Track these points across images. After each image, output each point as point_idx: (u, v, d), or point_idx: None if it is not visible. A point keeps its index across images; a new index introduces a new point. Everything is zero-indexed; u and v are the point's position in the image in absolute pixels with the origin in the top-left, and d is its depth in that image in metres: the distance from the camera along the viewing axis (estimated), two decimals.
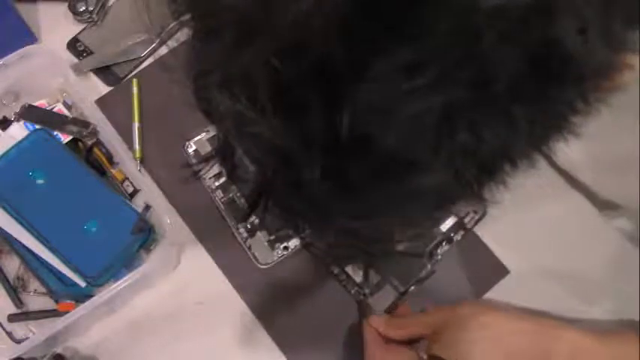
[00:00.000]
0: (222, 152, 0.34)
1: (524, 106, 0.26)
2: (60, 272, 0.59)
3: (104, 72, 0.71)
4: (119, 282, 0.57)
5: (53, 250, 0.59)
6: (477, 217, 0.62)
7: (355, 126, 0.25)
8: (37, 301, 0.61)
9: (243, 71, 0.26)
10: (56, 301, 0.61)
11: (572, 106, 0.29)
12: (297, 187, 0.29)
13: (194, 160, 0.65)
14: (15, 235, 0.60)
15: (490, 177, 0.30)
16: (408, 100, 0.24)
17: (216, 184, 0.64)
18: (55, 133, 0.64)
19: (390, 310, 0.59)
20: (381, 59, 0.24)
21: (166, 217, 0.60)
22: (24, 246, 0.60)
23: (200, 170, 0.42)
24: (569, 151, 0.57)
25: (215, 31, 0.28)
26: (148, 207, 0.63)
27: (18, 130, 0.65)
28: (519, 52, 0.24)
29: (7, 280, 0.61)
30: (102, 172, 0.65)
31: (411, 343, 0.55)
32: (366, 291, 0.60)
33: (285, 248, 0.62)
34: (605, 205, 0.63)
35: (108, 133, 0.63)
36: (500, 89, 0.25)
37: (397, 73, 0.24)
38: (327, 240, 0.43)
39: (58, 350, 0.59)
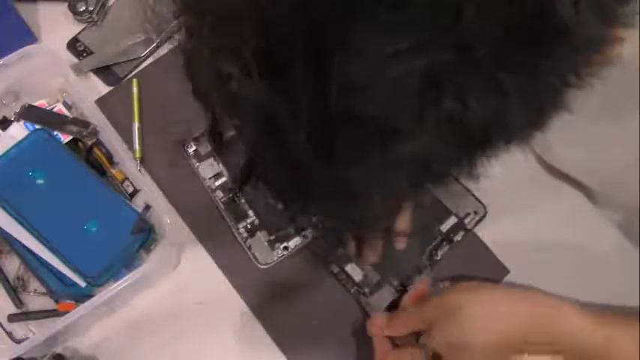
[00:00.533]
0: (212, 131, 0.34)
1: (511, 74, 0.26)
2: (60, 272, 0.59)
3: (104, 72, 0.71)
4: (119, 282, 0.57)
5: (53, 250, 0.59)
6: (477, 218, 0.62)
7: (339, 89, 0.25)
8: (37, 301, 0.61)
9: (231, 16, 0.27)
10: (56, 301, 0.61)
11: (565, 79, 0.29)
12: (283, 157, 0.29)
13: (194, 160, 0.65)
14: (15, 235, 0.59)
15: (481, 150, 0.30)
16: (391, 63, 0.24)
17: (216, 184, 0.64)
18: (55, 133, 0.65)
19: (390, 309, 0.59)
20: (363, 19, 0.24)
21: (166, 217, 0.60)
22: (24, 246, 0.60)
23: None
24: (570, 153, 0.57)
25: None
26: (148, 207, 0.63)
27: (18, 130, 0.65)
28: (502, 24, 0.24)
29: (7, 280, 0.61)
30: (102, 172, 0.65)
31: (418, 338, 0.54)
32: (366, 290, 0.60)
33: (285, 248, 0.62)
34: (602, 201, 0.63)
35: (108, 133, 0.63)
36: (484, 55, 0.25)
37: (379, 36, 0.24)
38: (314, 215, 0.42)
39: (58, 350, 0.59)
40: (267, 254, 0.62)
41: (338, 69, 0.25)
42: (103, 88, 0.70)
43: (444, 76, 0.25)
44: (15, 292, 0.61)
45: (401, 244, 0.60)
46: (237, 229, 0.62)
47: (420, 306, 0.52)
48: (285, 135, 0.27)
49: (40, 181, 0.62)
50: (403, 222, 0.59)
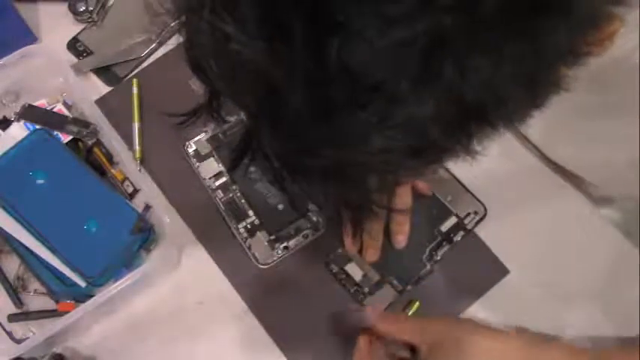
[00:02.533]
0: (210, 106, 0.34)
1: (510, 45, 0.26)
2: (60, 272, 0.59)
3: (104, 72, 0.71)
4: (119, 282, 0.57)
5: (53, 250, 0.59)
6: (477, 218, 0.62)
7: (339, 50, 0.25)
8: (37, 301, 0.61)
9: None
10: (56, 301, 0.61)
11: (562, 55, 0.29)
12: (281, 124, 0.29)
13: (194, 160, 0.65)
14: (15, 235, 0.59)
15: (478, 125, 0.30)
16: (392, 25, 0.24)
17: (216, 184, 0.64)
18: (55, 133, 0.65)
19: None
20: None
21: (166, 217, 0.60)
22: (24, 246, 0.60)
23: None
24: (572, 150, 0.57)
25: None
26: (148, 207, 0.63)
27: (18, 130, 0.65)
28: None
29: (7, 280, 0.61)
30: (102, 172, 0.65)
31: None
32: (366, 290, 0.60)
33: (285, 248, 0.62)
34: (602, 201, 0.63)
35: (108, 133, 0.63)
36: (484, 21, 0.25)
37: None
38: (312, 194, 0.41)
39: (58, 350, 0.59)
40: (267, 254, 0.62)
41: (338, 30, 0.25)
42: (103, 88, 0.70)
43: (444, 42, 0.25)
44: (15, 292, 0.61)
45: (401, 243, 0.60)
46: (237, 229, 0.62)
47: (426, 322, 0.51)
48: (283, 98, 0.27)
49: (40, 181, 0.62)
50: (404, 199, 0.58)
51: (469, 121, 0.29)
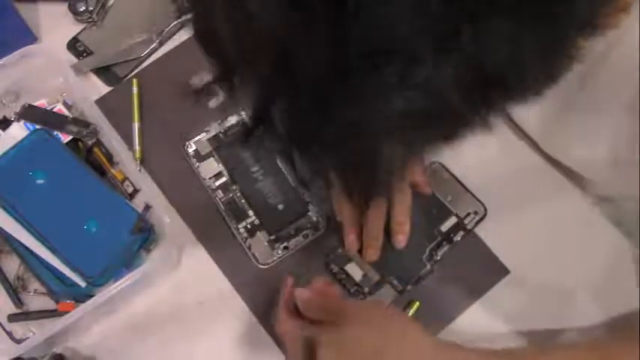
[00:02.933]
0: (222, 76, 0.33)
1: (528, 5, 0.26)
2: (60, 272, 0.59)
3: (104, 72, 0.71)
4: (119, 282, 0.57)
5: (53, 250, 0.59)
6: (477, 218, 0.62)
7: (358, 8, 0.25)
8: (37, 301, 0.61)
9: None
10: (56, 301, 0.61)
11: (580, 27, 0.29)
12: (297, 92, 0.28)
13: (194, 160, 0.65)
14: (15, 235, 0.59)
15: (497, 94, 0.30)
16: None
17: (216, 184, 0.64)
18: (55, 133, 0.65)
19: None
20: None
21: (166, 217, 0.60)
22: (24, 246, 0.60)
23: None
24: (572, 146, 0.57)
25: None
26: (148, 207, 0.63)
27: (18, 130, 0.65)
28: None
29: (7, 280, 0.61)
30: (102, 172, 0.65)
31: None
32: (366, 290, 0.60)
33: (285, 248, 0.62)
34: (602, 200, 0.63)
35: (108, 133, 0.63)
36: None
37: None
38: (325, 169, 0.40)
39: (58, 350, 0.59)
40: (267, 254, 0.62)
41: None
42: (103, 88, 0.70)
43: (462, 1, 0.25)
44: (15, 292, 0.61)
45: (401, 242, 0.60)
46: (237, 229, 0.62)
47: (345, 306, 0.51)
48: (301, 59, 0.27)
49: (40, 181, 0.62)
50: (419, 174, 0.60)
51: (488, 89, 0.29)
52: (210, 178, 0.64)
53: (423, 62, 0.26)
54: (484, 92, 0.29)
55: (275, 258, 0.61)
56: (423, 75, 0.27)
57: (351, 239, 0.60)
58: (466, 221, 0.62)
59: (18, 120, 0.66)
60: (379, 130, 0.30)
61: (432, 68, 0.26)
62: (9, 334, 0.59)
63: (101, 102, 0.69)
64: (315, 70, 0.27)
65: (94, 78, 0.71)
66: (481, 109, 0.30)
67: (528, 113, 0.61)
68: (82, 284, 0.59)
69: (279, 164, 0.64)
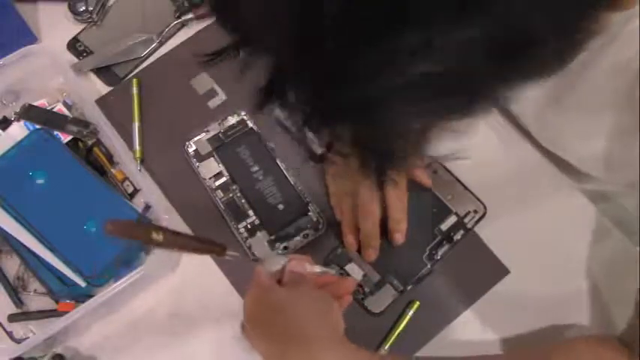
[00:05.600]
0: (239, 44, 0.33)
1: None
2: (60, 272, 0.59)
3: (104, 72, 0.71)
4: (119, 282, 0.57)
5: (53, 250, 0.59)
6: (477, 217, 0.62)
7: None
8: (37, 301, 0.61)
9: None
10: (56, 301, 0.61)
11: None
12: (313, 64, 0.28)
13: (194, 160, 0.65)
14: (15, 235, 0.60)
15: (511, 68, 0.30)
16: None
17: (216, 184, 0.64)
18: (55, 133, 0.65)
19: None
20: None
21: (166, 217, 0.60)
22: (24, 246, 0.60)
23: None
24: (573, 143, 0.57)
25: None
26: (148, 207, 0.63)
27: (18, 130, 0.65)
28: None
29: (7, 280, 0.61)
30: (102, 172, 0.65)
31: None
32: (366, 290, 0.60)
33: (285, 248, 0.62)
34: (601, 199, 0.63)
35: (108, 133, 0.63)
36: None
37: None
38: (338, 141, 0.40)
39: (58, 350, 0.59)
40: (267, 254, 0.62)
41: None
42: (103, 88, 0.70)
43: None
44: (15, 292, 0.61)
45: (399, 240, 0.60)
46: (237, 229, 0.62)
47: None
48: (322, 22, 0.27)
49: (40, 181, 0.62)
50: (419, 170, 0.60)
51: (510, 54, 0.29)
52: (210, 178, 0.64)
53: (449, 22, 0.26)
54: (506, 58, 0.29)
55: None
56: (449, 35, 0.27)
57: (349, 239, 0.60)
58: (466, 220, 0.62)
59: (18, 120, 0.66)
60: (401, 96, 0.30)
61: (458, 29, 0.26)
62: (9, 334, 0.59)
63: (101, 102, 0.69)
64: (338, 34, 0.27)
65: (94, 78, 0.71)
66: (498, 78, 0.30)
67: (526, 110, 0.61)
68: (82, 284, 0.59)
69: (279, 164, 0.64)
